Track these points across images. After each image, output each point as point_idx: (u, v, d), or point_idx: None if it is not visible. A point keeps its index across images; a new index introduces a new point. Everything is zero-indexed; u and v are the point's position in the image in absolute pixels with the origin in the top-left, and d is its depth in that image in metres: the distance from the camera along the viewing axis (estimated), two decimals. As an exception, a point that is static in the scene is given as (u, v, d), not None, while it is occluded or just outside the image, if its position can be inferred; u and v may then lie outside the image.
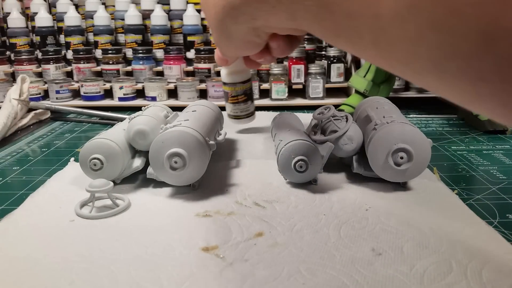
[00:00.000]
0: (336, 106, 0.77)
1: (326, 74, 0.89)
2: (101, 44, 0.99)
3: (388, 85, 0.80)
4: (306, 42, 0.95)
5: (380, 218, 0.40)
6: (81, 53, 0.95)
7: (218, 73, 0.92)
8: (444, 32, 0.15)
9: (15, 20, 0.98)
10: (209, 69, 0.92)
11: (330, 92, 0.91)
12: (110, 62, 0.94)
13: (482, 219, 0.39)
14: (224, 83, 0.63)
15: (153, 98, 0.89)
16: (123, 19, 0.99)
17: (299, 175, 0.46)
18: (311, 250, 0.35)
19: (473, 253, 0.34)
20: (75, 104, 0.89)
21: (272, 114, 0.77)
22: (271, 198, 0.45)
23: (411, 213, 0.41)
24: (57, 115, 0.84)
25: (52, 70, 0.94)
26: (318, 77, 0.87)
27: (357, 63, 0.92)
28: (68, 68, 0.97)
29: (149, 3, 1.01)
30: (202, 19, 1.00)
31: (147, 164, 0.48)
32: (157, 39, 0.97)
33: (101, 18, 0.98)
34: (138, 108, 0.61)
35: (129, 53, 0.99)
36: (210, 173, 0.52)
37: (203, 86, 0.90)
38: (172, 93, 0.91)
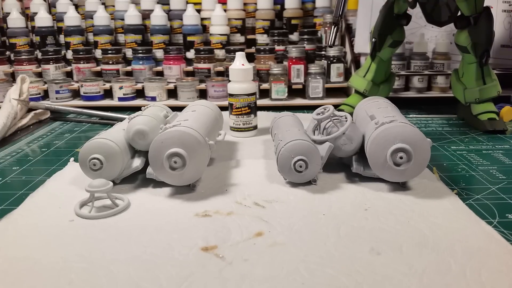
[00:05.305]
0: (336, 106, 0.77)
1: (325, 74, 0.89)
2: (101, 44, 0.99)
3: (388, 85, 0.80)
4: (306, 42, 0.95)
5: (379, 218, 0.40)
6: (81, 53, 0.95)
7: (217, 73, 0.93)
8: None
9: (15, 20, 0.98)
10: (209, 69, 0.92)
11: (330, 92, 0.91)
12: (110, 62, 0.94)
13: (481, 218, 0.39)
14: (230, 94, 0.66)
15: (153, 98, 0.89)
16: (123, 19, 0.99)
17: (299, 175, 0.46)
18: (310, 249, 0.35)
19: (472, 252, 0.34)
20: (75, 104, 0.89)
21: (272, 114, 0.77)
22: (271, 198, 0.45)
23: (411, 213, 0.41)
24: (57, 115, 0.84)
25: (52, 70, 0.94)
26: (317, 77, 0.87)
27: (357, 63, 0.92)
28: (68, 68, 0.97)
29: (149, 3, 1.01)
30: (202, 19, 1.00)
31: (146, 164, 0.48)
32: (157, 39, 0.97)
33: (101, 18, 0.98)
34: (137, 108, 0.61)
35: (129, 53, 0.99)
36: (209, 173, 0.52)
37: (202, 86, 0.90)
38: (172, 93, 0.91)
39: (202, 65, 0.92)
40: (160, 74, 0.95)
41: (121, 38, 1.01)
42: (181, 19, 0.98)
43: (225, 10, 0.98)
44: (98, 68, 0.96)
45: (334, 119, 0.51)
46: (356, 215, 0.41)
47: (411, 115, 0.80)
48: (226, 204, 0.43)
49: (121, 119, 0.73)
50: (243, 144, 0.64)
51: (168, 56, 0.92)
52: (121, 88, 0.89)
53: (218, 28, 0.96)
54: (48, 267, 0.33)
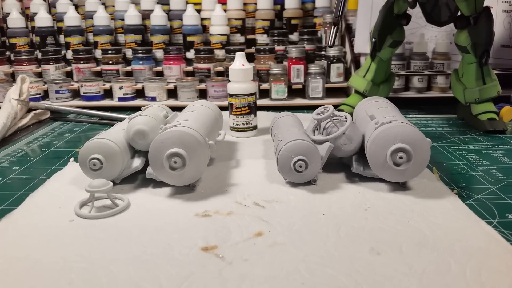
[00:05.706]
0: (336, 106, 0.77)
1: (325, 74, 0.89)
2: (101, 44, 0.99)
3: (388, 85, 0.80)
4: (306, 42, 0.95)
5: (379, 218, 0.40)
6: (81, 53, 0.95)
7: (217, 73, 0.93)
8: None
9: (15, 20, 0.98)
10: (208, 69, 0.92)
11: (329, 92, 0.91)
12: (110, 62, 0.94)
13: (481, 218, 0.39)
14: (230, 95, 0.66)
15: (153, 98, 0.89)
16: (123, 19, 0.99)
17: (299, 175, 0.46)
18: (310, 249, 0.35)
19: (472, 252, 0.34)
20: (75, 104, 0.89)
21: (272, 114, 0.77)
22: (271, 198, 0.45)
23: (410, 213, 0.41)
24: (57, 115, 0.84)
25: (52, 70, 0.94)
26: (317, 77, 0.87)
27: (356, 63, 0.92)
28: (68, 68, 0.97)
29: (148, 3, 1.01)
30: (202, 19, 1.00)
31: (146, 164, 0.48)
32: (156, 39, 0.97)
33: (101, 18, 0.98)
34: (137, 108, 0.61)
35: (128, 53, 0.99)
36: (209, 173, 0.52)
37: (202, 86, 0.90)
38: (172, 93, 0.91)
39: (202, 65, 0.92)
40: (160, 74, 0.95)
41: (121, 38, 1.01)
42: (181, 19, 0.98)
43: (225, 10, 0.98)
44: (98, 68, 0.96)
45: (334, 119, 0.51)
46: (356, 215, 0.41)
47: (411, 115, 0.80)
48: (226, 204, 0.43)
49: (121, 119, 0.73)
50: (243, 144, 0.64)
51: (168, 56, 0.92)
52: (121, 88, 0.89)
53: (218, 28, 0.96)
54: (48, 267, 0.33)
